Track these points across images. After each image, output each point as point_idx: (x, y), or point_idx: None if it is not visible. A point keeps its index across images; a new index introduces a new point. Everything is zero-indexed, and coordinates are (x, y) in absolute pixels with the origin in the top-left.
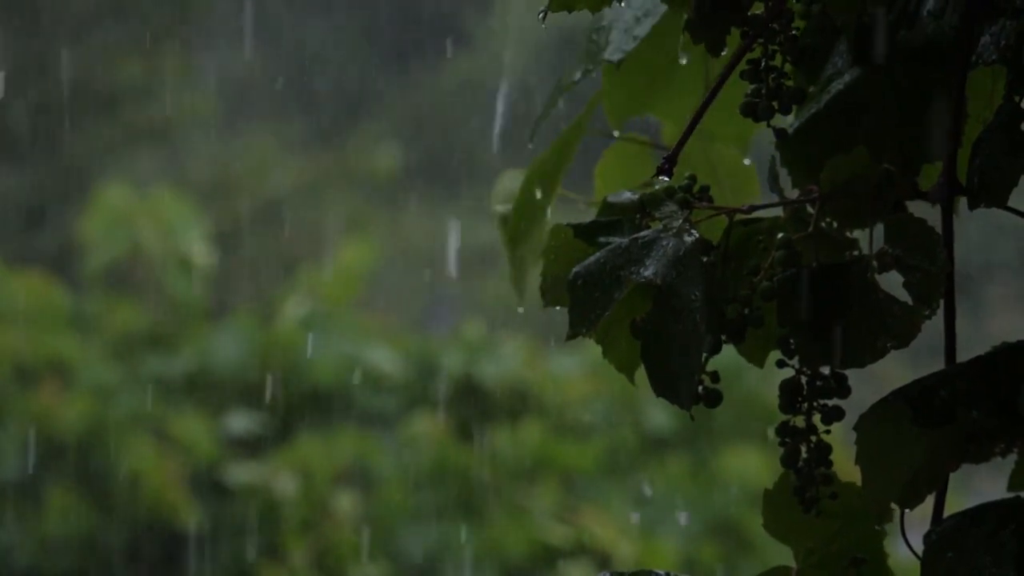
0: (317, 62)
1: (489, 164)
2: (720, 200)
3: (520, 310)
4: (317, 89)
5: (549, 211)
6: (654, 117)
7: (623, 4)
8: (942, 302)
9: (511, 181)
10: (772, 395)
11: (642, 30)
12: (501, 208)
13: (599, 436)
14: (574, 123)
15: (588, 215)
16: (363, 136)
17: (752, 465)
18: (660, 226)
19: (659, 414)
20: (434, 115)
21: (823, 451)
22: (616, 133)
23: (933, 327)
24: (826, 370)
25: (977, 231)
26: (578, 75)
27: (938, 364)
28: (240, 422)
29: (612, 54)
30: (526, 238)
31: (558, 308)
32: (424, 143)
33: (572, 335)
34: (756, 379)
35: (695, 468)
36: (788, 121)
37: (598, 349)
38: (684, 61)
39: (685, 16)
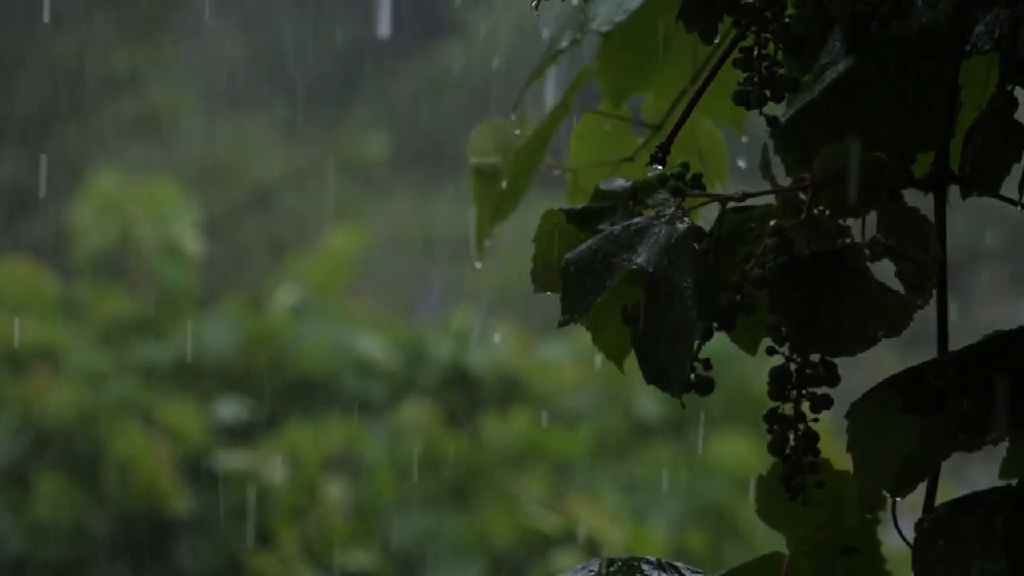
0: (306, 49)
1: None
2: (702, 176)
3: (478, 265)
4: (306, 76)
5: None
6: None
7: None
8: (934, 291)
9: (490, 132)
10: (761, 382)
11: (632, 3)
12: (476, 160)
13: (588, 423)
14: (559, 103)
15: (560, 181)
16: (352, 123)
17: (740, 452)
18: (652, 213)
19: (648, 401)
20: (422, 102)
21: (811, 439)
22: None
23: (921, 315)
24: (816, 358)
25: (965, 219)
26: (564, 44)
27: (927, 352)
28: (230, 409)
29: (601, 25)
30: (500, 209)
31: (548, 294)
32: (413, 130)
33: (564, 322)
34: (745, 366)
35: (684, 455)
36: (781, 109)
37: (587, 337)
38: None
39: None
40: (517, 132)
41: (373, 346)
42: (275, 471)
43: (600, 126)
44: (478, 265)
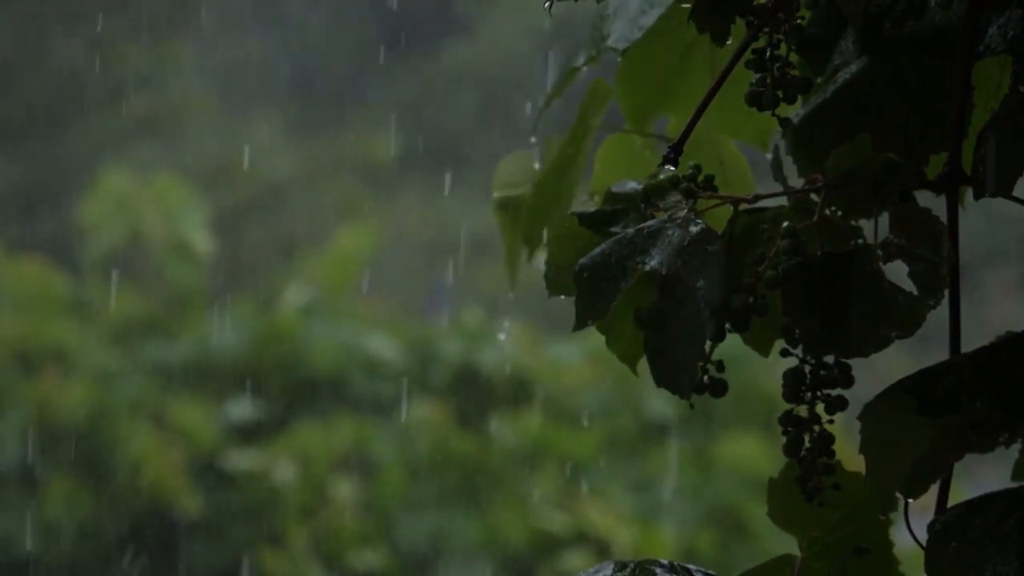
0: (316, 49)
1: (487, 150)
2: (724, 191)
3: (510, 295)
4: (316, 76)
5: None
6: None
7: None
8: (946, 292)
9: (514, 164)
10: (771, 383)
11: (648, 20)
12: (501, 193)
13: (598, 423)
14: (579, 125)
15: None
16: (361, 123)
17: (751, 452)
18: (665, 216)
19: (658, 401)
20: (432, 102)
21: (826, 440)
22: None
23: (933, 316)
24: (830, 359)
25: (976, 219)
26: (580, 61)
27: (938, 353)
28: (239, 409)
29: (617, 42)
30: (531, 237)
31: (561, 296)
32: (422, 130)
33: (579, 326)
34: (755, 367)
35: (694, 455)
36: (793, 110)
37: (597, 336)
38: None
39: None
40: (537, 164)
41: (383, 345)
42: (285, 471)
43: (624, 147)
44: (510, 295)
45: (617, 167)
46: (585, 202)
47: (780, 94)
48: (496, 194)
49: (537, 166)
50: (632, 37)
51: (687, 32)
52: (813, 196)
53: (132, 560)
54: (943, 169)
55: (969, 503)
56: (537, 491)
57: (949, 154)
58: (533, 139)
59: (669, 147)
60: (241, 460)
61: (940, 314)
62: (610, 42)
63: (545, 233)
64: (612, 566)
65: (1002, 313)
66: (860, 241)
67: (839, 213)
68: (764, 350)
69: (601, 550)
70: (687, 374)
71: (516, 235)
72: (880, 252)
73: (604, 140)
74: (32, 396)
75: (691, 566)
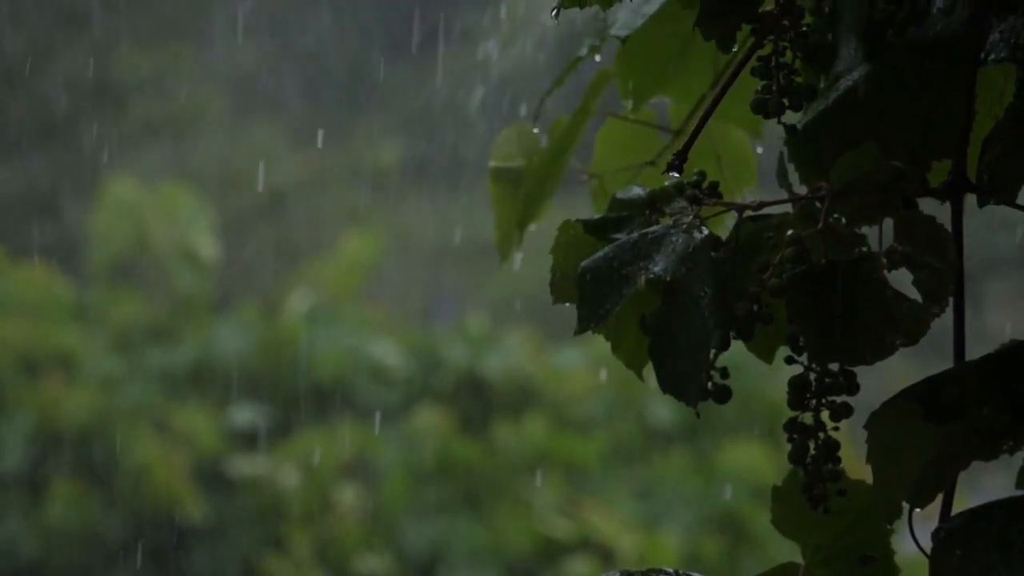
0: (322, 56)
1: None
2: (722, 185)
3: (515, 305)
4: (322, 83)
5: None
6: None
7: None
8: (951, 299)
9: (515, 136)
10: (775, 390)
11: (650, 8)
12: (497, 164)
13: (602, 430)
14: (580, 107)
15: (586, 186)
16: (367, 129)
17: (754, 459)
18: (670, 222)
19: (662, 408)
20: (438, 108)
21: (831, 448)
22: (628, 107)
23: (936, 323)
24: (835, 367)
25: (978, 226)
26: (584, 50)
27: (942, 361)
28: (243, 414)
29: (620, 30)
30: (526, 213)
31: (565, 304)
32: (428, 136)
33: (581, 330)
34: (759, 373)
35: (697, 462)
36: (799, 117)
37: (601, 343)
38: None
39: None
40: (541, 135)
41: (387, 352)
42: (288, 476)
43: (625, 130)
44: (506, 266)
45: (616, 149)
46: (584, 182)
47: (786, 102)
48: (492, 164)
49: (543, 142)
50: (634, 25)
51: (688, 19)
52: (817, 204)
53: (135, 565)
54: (948, 176)
55: (974, 511)
56: (541, 497)
57: (953, 161)
58: (536, 129)
59: (674, 154)
60: (245, 466)
61: (943, 322)
62: (613, 30)
63: (538, 219)
64: (619, 575)
65: (1003, 320)
66: (864, 249)
67: (843, 221)
68: (767, 357)
69: (604, 557)
70: (694, 381)
71: (508, 207)
72: (884, 260)
73: (604, 123)
74: (36, 401)
75: (695, 574)
